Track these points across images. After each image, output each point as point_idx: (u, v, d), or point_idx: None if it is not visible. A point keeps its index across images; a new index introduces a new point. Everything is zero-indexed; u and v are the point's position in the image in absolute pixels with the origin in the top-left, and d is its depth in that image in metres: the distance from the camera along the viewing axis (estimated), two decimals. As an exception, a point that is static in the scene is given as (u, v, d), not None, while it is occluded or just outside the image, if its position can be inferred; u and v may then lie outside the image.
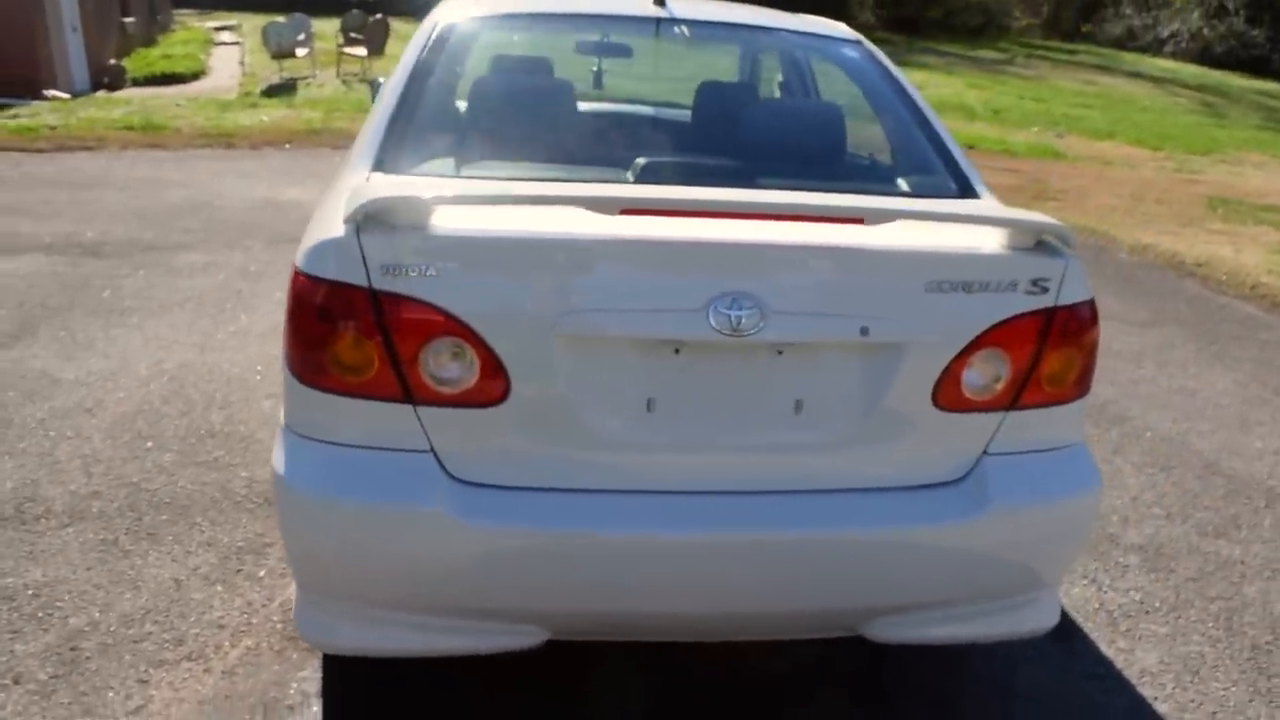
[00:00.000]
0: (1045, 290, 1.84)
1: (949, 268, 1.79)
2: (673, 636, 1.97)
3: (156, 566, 2.68)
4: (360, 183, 1.93)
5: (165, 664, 2.31)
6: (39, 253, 5.42)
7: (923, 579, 1.87)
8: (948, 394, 1.84)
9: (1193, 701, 2.39)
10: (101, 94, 11.72)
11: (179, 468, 3.19)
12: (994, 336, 1.82)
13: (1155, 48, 27.20)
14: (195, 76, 13.72)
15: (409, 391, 1.74)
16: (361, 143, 2.15)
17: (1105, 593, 2.84)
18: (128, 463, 3.20)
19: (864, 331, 1.77)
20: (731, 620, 1.90)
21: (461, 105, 2.53)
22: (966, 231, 1.85)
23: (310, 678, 2.28)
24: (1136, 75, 22.12)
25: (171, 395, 3.73)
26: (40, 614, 2.46)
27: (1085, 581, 2.88)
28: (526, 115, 2.42)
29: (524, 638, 1.85)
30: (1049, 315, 1.85)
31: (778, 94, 3.47)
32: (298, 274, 1.75)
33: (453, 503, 1.73)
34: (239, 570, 2.67)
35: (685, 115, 3.24)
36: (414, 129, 2.21)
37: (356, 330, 1.71)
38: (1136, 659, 2.53)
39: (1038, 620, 2.03)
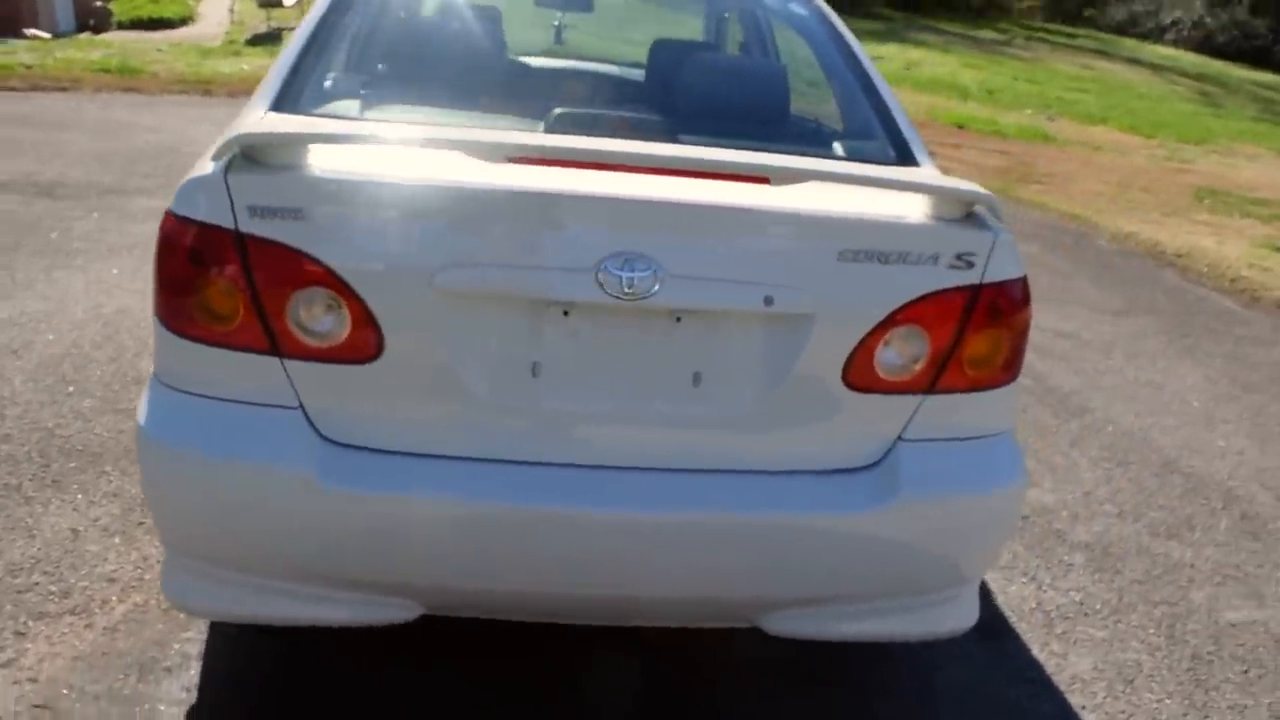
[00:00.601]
0: (970, 265, 1.71)
1: (863, 236, 1.67)
2: (556, 618, 1.87)
3: (56, 515, 2.57)
4: (249, 121, 1.79)
5: (46, 616, 2.21)
6: (-7, 191, 5.27)
7: (825, 571, 1.76)
8: (860, 372, 1.72)
9: (1123, 712, 2.29)
10: (85, 36, 11.49)
11: (97, 414, 3.07)
12: (911, 313, 1.70)
13: (1157, 35, 26.81)
14: (183, 22, 13.48)
15: (275, 343, 1.62)
16: (265, 82, 2.01)
17: (1044, 591, 2.74)
18: (45, 407, 3.09)
19: (768, 301, 1.64)
20: (616, 604, 1.79)
21: (384, 49, 2.39)
22: (889, 199, 1.72)
23: (194, 639, 2.18)
24: (1135, 61, 21.81)
25: (104, 340, 3.61)
26: (-77, 560, 2.35)
27: (1024, 579, 2.78)
28: (450, 63, 2.28)
29: (395, 610, 1.74)
30: (974, 292, 1.72)
31: (737, 54, 3.33)
32: (167, 214, 1.63)
33: (318, 464, 1.62)
34: (140, 524, 2.56)
35: (635, 74, 3.10)
36: (321, 69, 2.08)
37: (221, 275, 1.59)
38: (1069, 664, 2.43)
39: (956, 619, 1.93)
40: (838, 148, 2.18)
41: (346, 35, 2.19)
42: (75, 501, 2.63)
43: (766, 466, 1.74)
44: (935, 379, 1.75)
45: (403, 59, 2.25)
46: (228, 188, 1.56)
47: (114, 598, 2.29)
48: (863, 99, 2.26)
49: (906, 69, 14.24)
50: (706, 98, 2.27)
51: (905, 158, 2.10)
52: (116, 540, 2.48)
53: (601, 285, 1.59)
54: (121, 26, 12.57)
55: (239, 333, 1.61)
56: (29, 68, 8.78)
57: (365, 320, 1.60)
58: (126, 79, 8.94)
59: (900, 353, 1.73)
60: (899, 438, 1.78)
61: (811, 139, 2.30)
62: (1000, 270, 1.74)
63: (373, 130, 1.69)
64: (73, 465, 2.79)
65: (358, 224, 1.58)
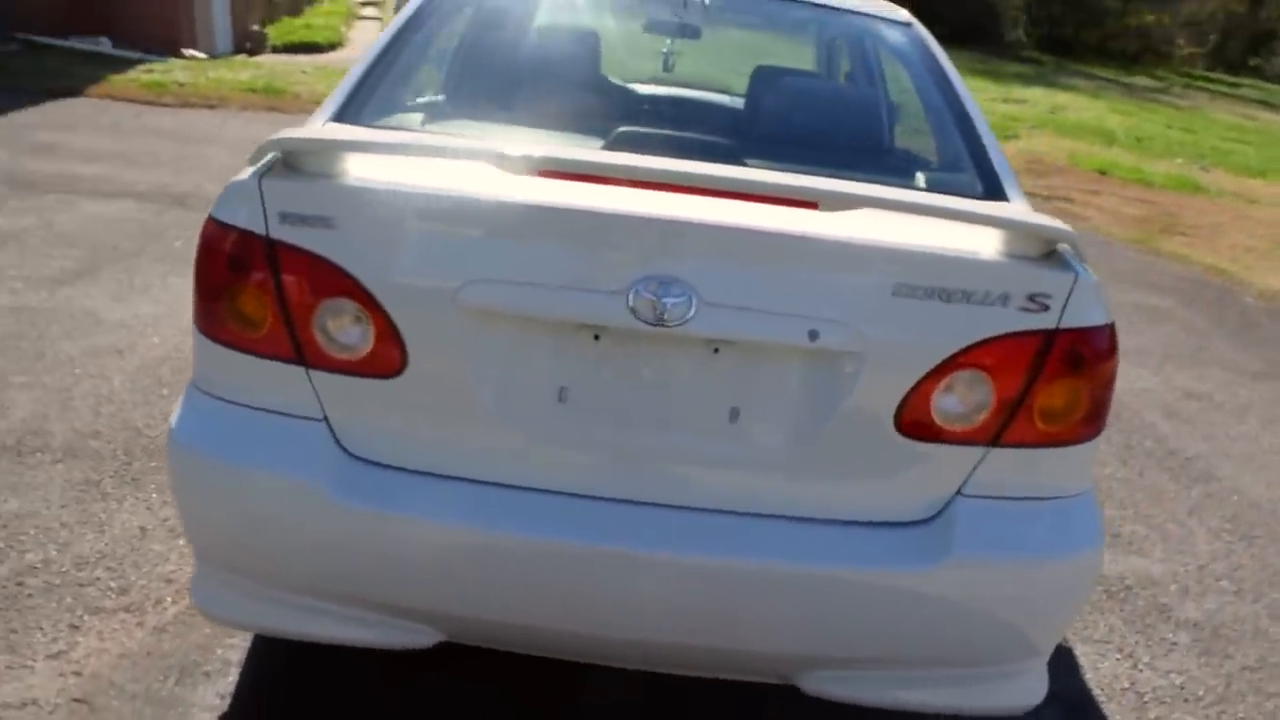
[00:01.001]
0: (1045, 308, 1.55)
1: (922, 271, 1.53)
2: (580, 657, 1.77)
3: (129, 513, 2.64)
4: (299, 130, 1.79)
5: (102, 612, 2.25)
6: (130, 199, 5.59)
7: (867, 631, 1.61)
8: (915, 419, 1.57)
9: (1213, 815, 2.03)
10: (240, 58, 12.20)
11: (184, 417, 3.16)
12: (974, 357, 1.55)
13: (1330, 84, 25.02)
14: (332, 47, 14.15)
15: (302, 353, 1.59)
16: (333, 92, 2.02)
17: (1141, 671, 2.47)
18: (137, 407, 3.20)
19: (813, 336, 1.52)
20: (640, 650, 1.68)
21: (464, 65, 2.38)
22: (957, 232, 1.57)
23: (238, 646, 2.18)
24: (1303, 113, 20.37)
25: (204, 346, 3.73)
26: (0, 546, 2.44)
27: (1119, 656, 2.53)
28: (531, 82, 2.24)
29: (411, 635, 1.68)
30: (1048, 338, 1.56)
31: (840, 82, 3.20)
32: (207, 219, 1.63)
33: (332, 478, 1.58)
34: (204, 526, 2.59)
35: (734, 102, 3.00)
36: (393, 82, 2.07)
37: (251, 281, 1.58)
38: (1159, 754, 2.18)
39: (1017, 695, 1.74)
40: (921, 179, 2.04)
41: (426, 50, 2.18)
42: (149, 500, 2.69)
43: (808, 513, 1.61)
44: (1001, 431, 1.59)
45: (483, 75, 2.24)
46: (261, 194, 1.55)
47: (169, 598, 2.32)
48: (955, 131, 2.11)
49: (1051, 113, 13.67)
50: (792, 124, 2.17)
51: (994, 192, 1.95)
52: (180, 542, 2.52)
53: (634, 310, 1.50)
54: (275, 50, 13.29)
55: (267, 340, 1.60)
56: (181, 85, 9.35)
57: (389, 335, 1.56)
58: (271, 99, 9.40)
59: (962, 400, 1.57)
60: (958, 492, 1.62)
61: (895, 169, 2.16)
62: (1080, 315, 1.56)
63: (407, 140, 1.65)
64: (153, 465, 2.87)
65: (385, 236, 1.55)
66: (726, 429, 1.58)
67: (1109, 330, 1.61)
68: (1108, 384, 1.63)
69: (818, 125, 2.16)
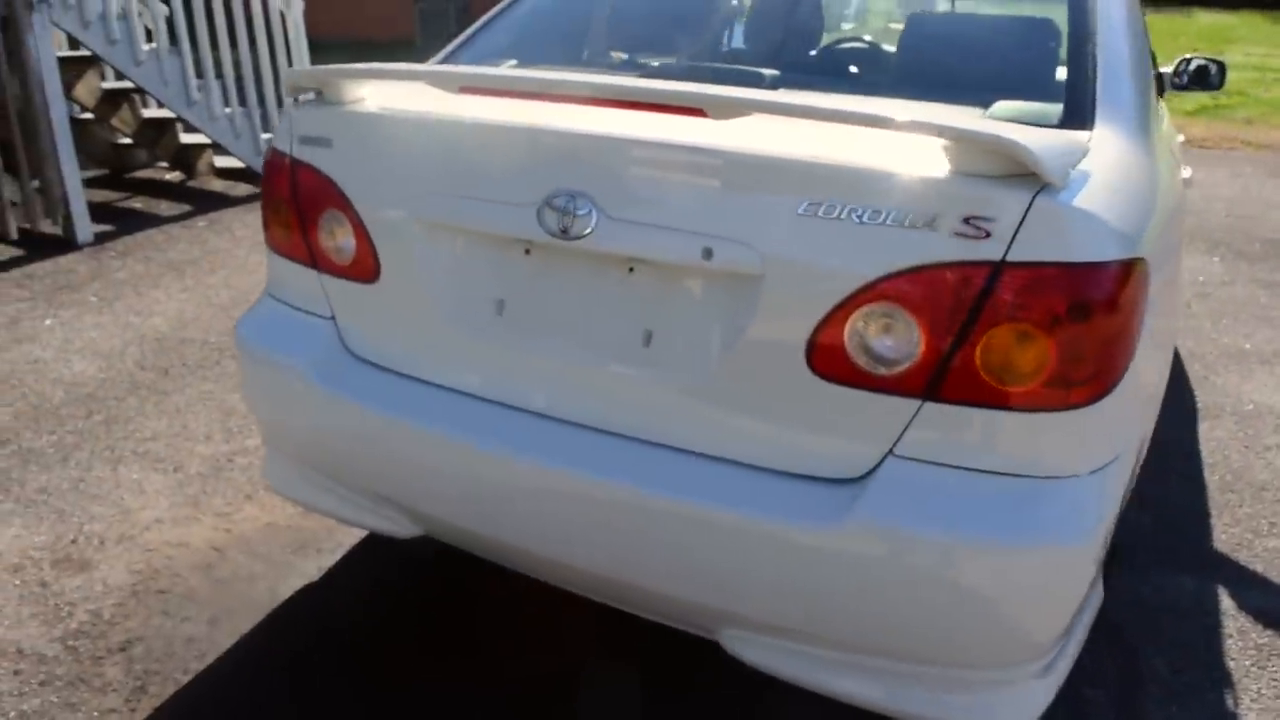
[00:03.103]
0: (986, 235, 1.28)
1: (833, 186, 1.34)
2: (527, 571, 1.78)
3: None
4: None
5: (271, 490, 2.71)
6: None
7: (770, 590, 1.44)
8: (827, 357, 1.38)
9: None
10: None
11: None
12: (891, 288, 1.32)
13: None
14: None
15: (314, 258, 1.82)
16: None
17: None
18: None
19: (707, 254, 1.40)
20: (568, 573, 1.65)
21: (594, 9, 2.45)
22: (899, 146, 1.35)
23: (357, 534, 2.49)
24: None
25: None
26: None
27: None
28: (634, 16, 2.29)
29: (392, 524, 1.83)
30: (993, 272, 1.28)
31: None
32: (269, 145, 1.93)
33: (318, 367, 1.77)
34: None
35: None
36: (505, 26, 2.25)
37: (282, 195, 1.83)
38: None
39: (964, 713, 1.44)
40: (991, 105, 1.74)
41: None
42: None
43: (718, 452, 1.49)
44: (936, 382, 1.34)
45: (588, 17, 2.31)
46: (291, 120, 1.80)
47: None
48: (1070, 59, 1.78)
49: None
50: (865, 53, 1.98)
51: (1077, 120, 1.62)
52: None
53: (542, 223, 1.51)
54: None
55: (294, 247, 1.84)
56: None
57: (367, 243, 1.72)
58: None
59: (881, 340, 1.35)
60: (890, 452, 1.39)
61: (964, 95, 1.84)
62: (1042, 247, 1.27)
63: (376, 67, 1.77)
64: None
65: (363, 154, 1.71)
66: (640, 353, 1.52)
67: (1099, 270, 1.28)
68: (1097, 339, 1.29)
69: (901, 55, 1.92)
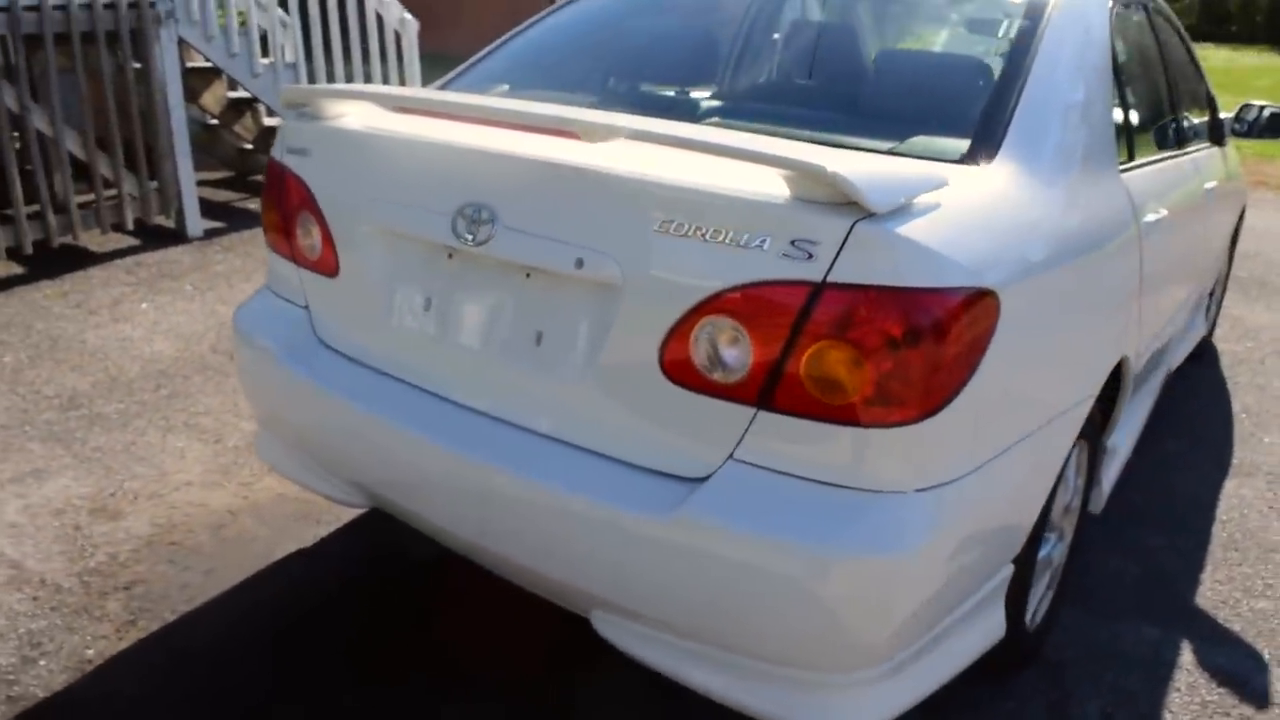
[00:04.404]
0: (810, 257, 1.38)
1: (683, 206, 1.46)
2: (459, 551, 1.93)
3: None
4: None
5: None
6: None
7: (621, 577, 1.57)
8: (676, 362, 1.50)
9: None
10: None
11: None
12: (728, 302, 1.43)
13: None
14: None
15: (294, 253, 2.06)
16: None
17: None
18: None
19: (579, 264, 1.55)
20: (480, 553, 1.81)
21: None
22: (741, 170, 1.46)
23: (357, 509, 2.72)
24: None
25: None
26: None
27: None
28: (592, 47, 2.46)
29: (347, 495, 2.04)
30: (814, 292, 1.38)
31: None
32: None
33: (284, 347, 2.01)
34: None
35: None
36: (503, 56, 2.46)
37: (272, 197, 2.09)
38: None
39: (812, 714, 1.52)
40: (907, 139, 1.82)
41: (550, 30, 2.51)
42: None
43: (588, 445, 1.63)
44: (768, 392, 1.44)
45: (564, 47, 2.48)
46: (283, 131, 2.05)
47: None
48: (994, 92, 1.84)
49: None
50: (825, 94, 2.09)
51: (980, 154, 1.70)
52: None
53: (454, 230, 1.70)
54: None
55: (280, 243, 2.09)
56: None
57: (329, 242, 1.95)
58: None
59: (720, 349, 1.47)
60: (731, 455, 1.50)
61: (884, 128, 1.92)
62: (864, 270, 1.36)
63: (345, 88, 1.99)
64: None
65: (330, 163, 1.94)
66: (533, 351, 1.68)
67: (921, 296, 1.35)
68: (920, 363, 1.37)
69: (842, 91, 2.02)
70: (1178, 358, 3.44)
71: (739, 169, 1.47)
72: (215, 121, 6.11)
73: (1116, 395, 2.33)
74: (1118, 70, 2.25)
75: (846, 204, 1.37)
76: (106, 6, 4.46)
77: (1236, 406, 3.80)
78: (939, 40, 2.30)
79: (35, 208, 4.62)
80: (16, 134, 4.73)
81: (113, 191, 4.86)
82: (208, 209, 5.35)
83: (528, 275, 1.67)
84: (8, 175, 4.36)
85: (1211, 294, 4.05)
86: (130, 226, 5.00)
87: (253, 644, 2.18)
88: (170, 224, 5.22)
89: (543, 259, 1.61)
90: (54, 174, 4.65)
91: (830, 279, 1.37)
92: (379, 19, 6.07)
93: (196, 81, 5.53)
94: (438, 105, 1.78)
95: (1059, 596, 2.33)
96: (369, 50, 5.99)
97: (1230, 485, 3.16)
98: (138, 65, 4.81)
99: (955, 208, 1.49)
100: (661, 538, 1.49)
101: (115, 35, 4.59)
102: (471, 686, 2.06)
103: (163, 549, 2.52)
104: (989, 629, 1.81)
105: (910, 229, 1.37)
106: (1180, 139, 2.89)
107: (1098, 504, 2.47)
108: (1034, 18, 1.99)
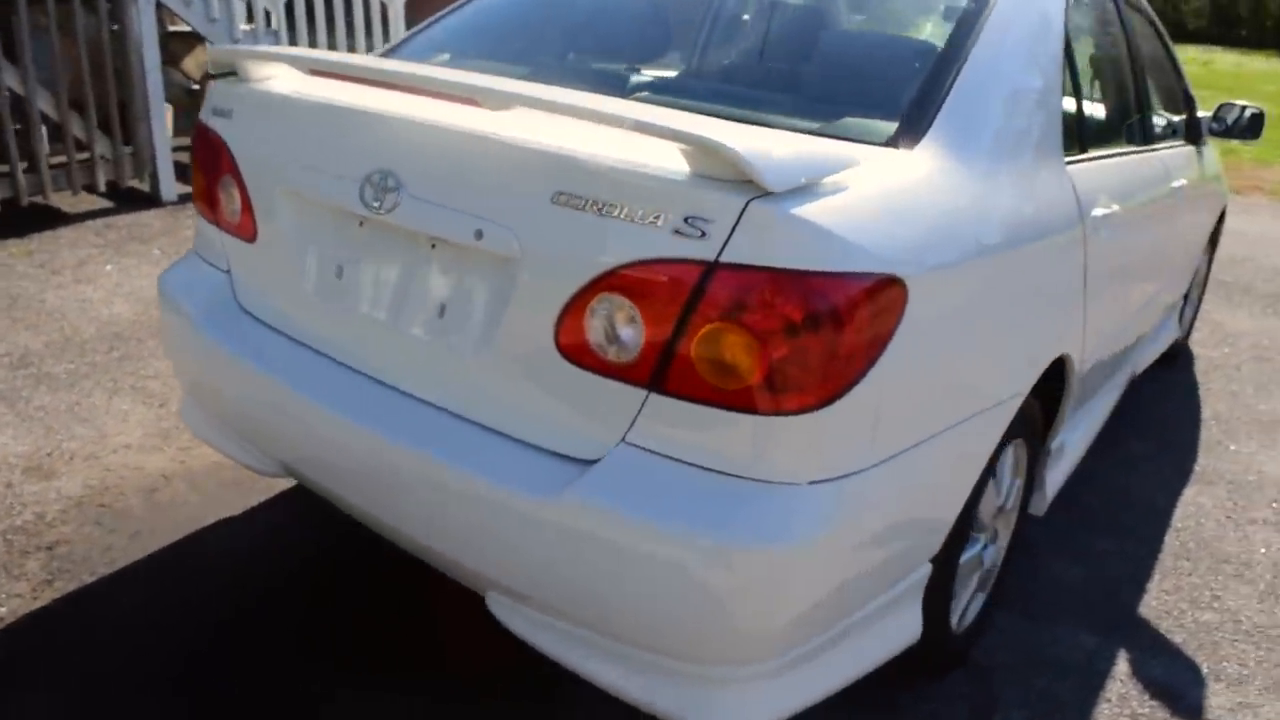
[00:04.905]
0: (703, 235, 1.33)
1: (580, 179, 1.41)
2: (365, 523, 1.89)
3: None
4: None
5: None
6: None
7: (508, 557, 1.53)
8: (572, 342, 1.46)
9: None
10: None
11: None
12: (620, 280, 1.38)
13: None
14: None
15: (216, 216, 2.01)
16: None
17: None
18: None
19: (478, 235, 1.50)
20: (379, 526, 1.77)
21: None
22: (643, 143, 1.41)
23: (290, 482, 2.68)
24: None
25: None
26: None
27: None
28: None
29: (262, 464, 2.00)
30: (706, 271, 1.33)
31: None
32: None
33: (202, 313, 1.96)
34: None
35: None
36: (448, 25, 2.40)
37: (197, 159, 2.04)
38: None
39: (704, 712, 1.48)
40: (838, 118, 1.76)
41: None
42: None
43: (485, 421, 1.58)
44: (660, 374, 1.39)
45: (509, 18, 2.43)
46: (210, 92, 2.00)
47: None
48: (928, 75, 1.79)
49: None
50: (770, 73, 2.03)
51: (906, 137, 1.64)
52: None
53: (363, 197, 1.65)
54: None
55: (204, 207, 2.05)
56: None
57: (248, 207, 1.90)
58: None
59: (613, 329, 1.42)
60: (624, 438, 1.45)
61: (820, 108, 1.86)
62: (759, 251, 1.31)
63: (262, 49, 1.94)
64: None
65: (249, 125, 1.89)
66: (437, 323, 1.63)
67: (815, 280, 1.30)
68: (812, 349, 1.32)
69: (785, 69, 1.96)
70: (1145, 360, 3.38)
71: (641, 143, 1.42)
72: (197, 87, 6.06)
73: (1060, 395, 2.28)
74: (1072, 60, 2.19)
75: (744, 182, 1.32)
76: (83, -36, 4.41)
77: (1207, 413, 3.74)
78: (888, 20, 2.24)
79: (4, 168, 4.58)
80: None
81: (86, 154, 4.81)
82: (184, 173, 5.31)
83: (433, 246, 1.62)
84: (-23, 132, 4.32)
85: (1187, 296, 3.98)
86: (102, 188, 4.95)
87: (166, 610, 2.14)
88: (145, 188, 5.17)
89: (445, 229, 1.56)
90: (28, 134, 4.61)
91: (723, 259, 1.32)
92: (368, -13, 6.01)
93: (178, 46, 5.47)
94: (350, 70, 1.73)
95: (993, 599, 2.28)
96: (354, 22, 5.93)
97: (1190, 492, 3.11)
98: (115, 27, 4.75)
99: (866, 191, 1.44)
100: (547, 519, 1.44)
101: (92, -5, 4.54)
102: (382, 662, 2.03)
103: (92, 510, 2.49)
104: (903, 629, 1.77)
105: (809, 210, 1.32)
106: (1147, 135, 2.82)
107: (1039, 506, 2.42)
108: (980, 1, 1.93)
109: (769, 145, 1.33)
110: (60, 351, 3.37)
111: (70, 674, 1.94)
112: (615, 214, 1.38)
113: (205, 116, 2.01)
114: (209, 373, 2.00)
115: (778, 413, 1.35)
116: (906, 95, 1.74)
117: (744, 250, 1.31)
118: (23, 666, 1.95)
